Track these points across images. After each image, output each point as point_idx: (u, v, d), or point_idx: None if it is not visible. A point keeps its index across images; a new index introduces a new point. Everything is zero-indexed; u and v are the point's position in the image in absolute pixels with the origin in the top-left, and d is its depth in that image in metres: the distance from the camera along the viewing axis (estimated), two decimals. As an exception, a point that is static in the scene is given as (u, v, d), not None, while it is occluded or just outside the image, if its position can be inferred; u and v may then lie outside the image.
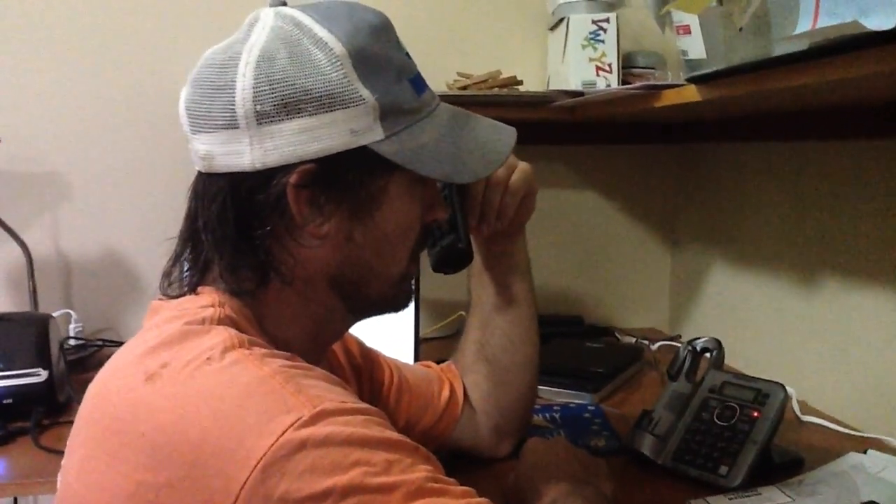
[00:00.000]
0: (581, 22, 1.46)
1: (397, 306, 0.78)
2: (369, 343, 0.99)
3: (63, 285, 1.61)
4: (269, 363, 0.58)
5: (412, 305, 1.36)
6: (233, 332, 0.61)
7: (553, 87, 1.54)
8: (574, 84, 1.45)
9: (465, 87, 1.49)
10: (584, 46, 1.46)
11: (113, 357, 0.65)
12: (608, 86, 1.45)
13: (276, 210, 0.65)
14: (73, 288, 1.62)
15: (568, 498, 0.75)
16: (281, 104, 0.63)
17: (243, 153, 0.64)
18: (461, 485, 0.57)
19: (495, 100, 1.44)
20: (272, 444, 0.52)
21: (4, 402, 1.18)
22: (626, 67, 1.50)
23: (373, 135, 0.65)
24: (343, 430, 0.54)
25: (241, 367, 0.58)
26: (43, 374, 1.21)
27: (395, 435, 0.57)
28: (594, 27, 1.46)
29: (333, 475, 0.51)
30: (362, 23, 0.66)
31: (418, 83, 0.70)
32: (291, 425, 0.52)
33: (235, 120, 0.64)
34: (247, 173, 0.65)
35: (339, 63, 0.64)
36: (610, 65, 1.46)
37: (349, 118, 0.64)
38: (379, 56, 0.66)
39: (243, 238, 0.66)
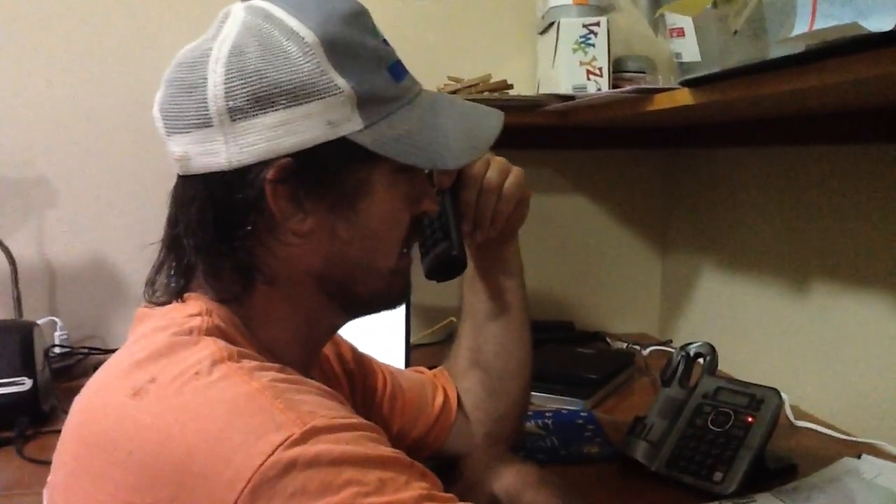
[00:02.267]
0: (572, 26, 1.46)
1: (391, 303, 0.75)
2: (360, 349, 0.98)
3: (48, 292, 1.59)
4: (259, 377, 0.56)
5: (403, 311, 1.38)
6: (221, 343, 0.59)
7: (543, 91, 1.54)
8: (565, 88, 1.45)
9: (455, 91, 1.49)
10: (574, 50, 1.46)
11: (100, 369, 0.63)
12: (599, 90, 1.44)
13: (255, 209, 0.63)
14: (58, 295, 1.59)
15: None
16: (253, 98, 0.61)
17: (219, 152, 0.62)
18: (461, 500, 0.56)
19: (486, 104, 1.43)
20: (261, 465, 0.50)
21: (-13, 411, 1.17)
22: (617, 72, 1.50)
23: (351, 125, 0.63)
24: (334, 449, 0.52)
25: (229, 382, 0.56)
26: (27, 383, 1.20)
27: (388, 451, 0.55)
28: (585, 31, 1.46)
29: (324, 496, 0.50)
30: (334, 11, 0.64)
31: (397, 70, 0.68)
32: (280, 444, 0.51)
33: (209, 118, 0.61)
34: (224, 172, 0.62)
35: (311, 53, 0.61)
36: (601, 69, 1.45)
37: (325, 109, 0.62)
38: (353, 44, 0.64)
39: (224, 240, 0.64)
